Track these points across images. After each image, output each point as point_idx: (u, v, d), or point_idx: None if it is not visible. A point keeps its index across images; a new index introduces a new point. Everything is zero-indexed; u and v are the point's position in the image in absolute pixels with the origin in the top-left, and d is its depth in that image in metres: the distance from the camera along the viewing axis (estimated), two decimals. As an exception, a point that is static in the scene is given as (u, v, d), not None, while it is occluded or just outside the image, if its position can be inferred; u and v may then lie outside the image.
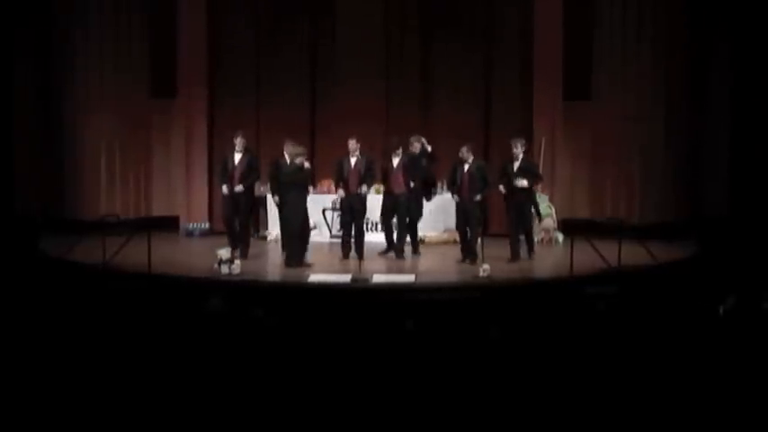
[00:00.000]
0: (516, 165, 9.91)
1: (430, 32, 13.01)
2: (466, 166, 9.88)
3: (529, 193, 10.06)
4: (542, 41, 12.60)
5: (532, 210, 10.26)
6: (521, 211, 9.97)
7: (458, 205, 10.01)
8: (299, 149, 9.70)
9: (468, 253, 9.81)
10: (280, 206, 10.08)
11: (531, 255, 10.14)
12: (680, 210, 12.47)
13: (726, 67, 12.19)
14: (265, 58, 13.16)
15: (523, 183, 9.86)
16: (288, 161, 10.03)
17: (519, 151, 9.93)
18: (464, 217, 9.94)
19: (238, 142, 10.04)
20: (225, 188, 10.06)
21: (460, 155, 9.96)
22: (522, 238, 10.11)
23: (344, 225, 10.18)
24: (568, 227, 11.50)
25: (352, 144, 10.07)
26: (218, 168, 10.67)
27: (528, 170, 10.00)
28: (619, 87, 12.56)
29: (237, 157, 10.05)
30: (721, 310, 5.52)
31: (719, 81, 12.25)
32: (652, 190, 12.58)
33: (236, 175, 10.06)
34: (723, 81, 12.21)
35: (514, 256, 9.92)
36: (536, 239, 11.90)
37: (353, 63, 12.89)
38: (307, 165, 9.66)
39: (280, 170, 10.01)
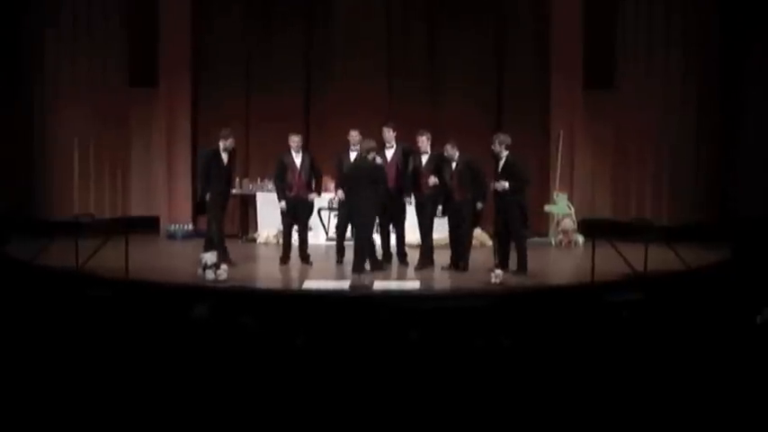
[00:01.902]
0: (500, 165, 9.36)
1: (436, 14, 13.02)
2: (453, 165, 9.54)
3: (513, 198, 9.30)
4: (560, 24, 12.62)
5: (520, 217, 9.37)
6: (504, 218, 9.41)
7: (446, 207, 9.69)
8: (371, 144, 9.56)
9: (461, 258, 9.67)
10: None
11: (520, 271, 9.31)
12: (712, 210, 12.48)
13: (763, 54, 12.18)
14: (255, 45, 13.16)
15: (504, 185, 9.24)
16: (294, 157, 10.03)
17: (499, 149, 9.33)
18: (455, 220, 9.62)
19: (229, 143, 9.96)
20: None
21: (445, 153, 9.61)
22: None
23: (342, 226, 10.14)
24: (589, 228, 11.52)
25: (355, 136, 10.05)
26: (213, 172, 9.96)
27: (511, 172, 9.29)
28: (644, 75, 12.58)
29: (225, 157, 10.02)
30: (758, 320, 5.52)
31: (756, 69, 12.22)
32: (681, 188, 12.61)
33: (231, 176, 10.22)
34: (760, 69, 12.19)
35: (500, 262, 9.38)
36: (553, 242, 11.96)
37: (352, 49, 12.92)
38: (378, 160, 9.63)
39: (286, 170, 10.00)
